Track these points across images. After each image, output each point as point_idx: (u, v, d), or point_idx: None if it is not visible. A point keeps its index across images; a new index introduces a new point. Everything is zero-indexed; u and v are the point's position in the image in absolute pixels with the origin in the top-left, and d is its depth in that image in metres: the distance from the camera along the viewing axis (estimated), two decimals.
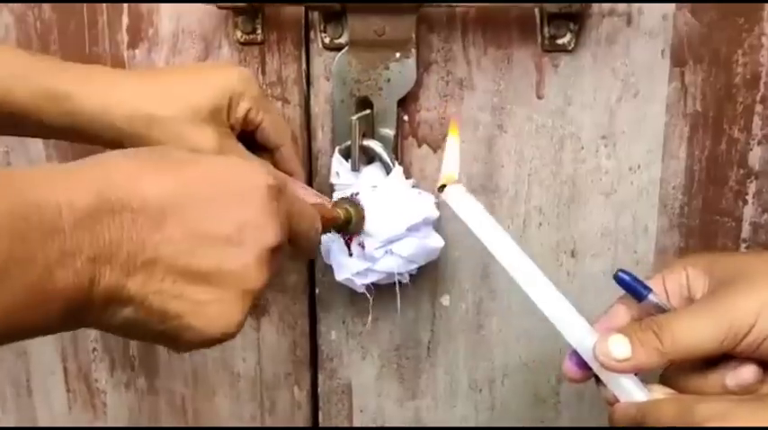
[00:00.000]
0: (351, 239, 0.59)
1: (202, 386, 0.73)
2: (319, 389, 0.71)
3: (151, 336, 0.38)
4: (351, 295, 0.67)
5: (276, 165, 0.58)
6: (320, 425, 0.72)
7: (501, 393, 0.67)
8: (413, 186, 0.61)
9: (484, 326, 0.66)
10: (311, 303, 0.69)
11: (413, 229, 0.59)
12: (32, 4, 0.66)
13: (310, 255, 0.51)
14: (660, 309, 0.44)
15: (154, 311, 0.37)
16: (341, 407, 0.71)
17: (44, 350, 0.76)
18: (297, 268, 0.68)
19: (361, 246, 0.59)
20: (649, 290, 0.45)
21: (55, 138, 0.62)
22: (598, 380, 0.44)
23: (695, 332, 0.41)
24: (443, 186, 0.46)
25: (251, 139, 0.57)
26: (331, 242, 0.61)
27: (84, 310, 0.35)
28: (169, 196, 0.37)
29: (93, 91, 0.53)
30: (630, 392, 0.43)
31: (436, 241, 0.61)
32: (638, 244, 0.61)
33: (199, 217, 0.37)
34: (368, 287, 0.61)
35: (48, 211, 0.33)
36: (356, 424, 0.70)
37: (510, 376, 0.66)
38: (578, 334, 0.44)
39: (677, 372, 0.43)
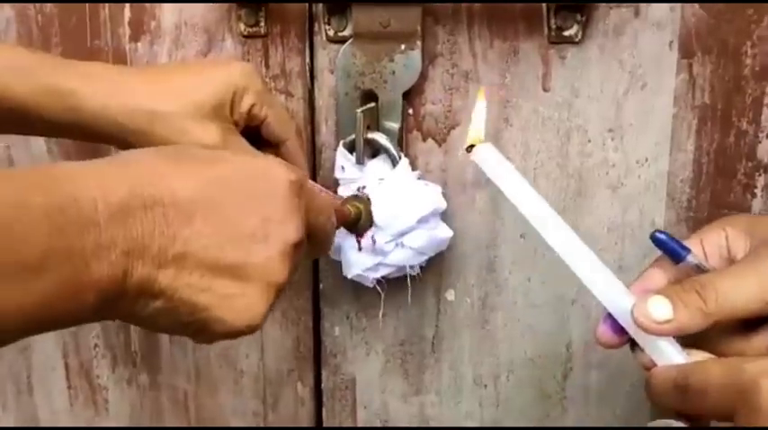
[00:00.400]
0: (361, 236, 0.59)
1: (205, 382, 0.73)
2: (323, 385, 0.70)
3: (179, 328, 0.39)
4: (355, 291, 0.66)
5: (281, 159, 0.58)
6: (324, 421, 0.71)
7: (506, 389, 0.66)
8: (418, 178, 0.61)
9: (489, 322, 0.65)
10: (315, 299, 0.68)
11: (422, 221, 0.58)
12: None
13: (325, 250, 0.51)
14: (700, 271, 0.43)
15: (183, 304, 0.38)
16: (344, 402, 0.70)
17: (45, 346, 0.75)
18: (300, 264, 0.67)
19: (373, 240, 0.58)
20: (688, 250, 0.43)
21: (57, 136, 0.61)
22: (633, 345, 0.43)
23: (740, 291, 0.40)
24: (471, 146, 0.45)
25: (255, 134, 0.57)
26: (339, 239, 0.60)
27: (116, 302, 0.36)
28: (198, 192, 0.38)
29: (96, 87, 0.52)
30: (670, 356, 0.41)
31: (445, 232, 0.60)
32: (646, 237, 0.60)
33: (226, 213, 0.39)
34: (379, 281, 0.61)
35: (84, 205, 0.34)
36: (360, 419, 0.70)
37: (515, 371, 0.66)
38: (615, 296, 0.42)
39: (716, 336, 0.41)
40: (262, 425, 0.72)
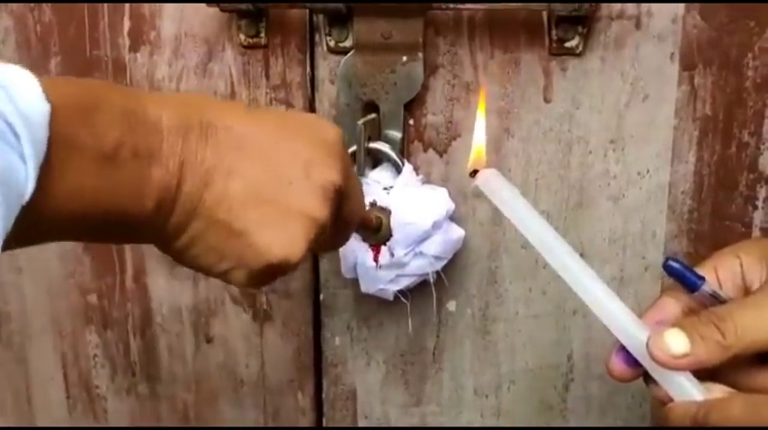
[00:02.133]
0: (378, 251, 0.58)
1: (205, 392, 0.72)
2: (323, 395, 0.70)
3: (215, 257, 0.40)
4: (355, 301, 0.66)
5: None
6: None
7: (507, 399, 0.66)
8: (423, 183, 0.60)
9: (490, 332, 0.65)
10: (315, 309, 0.68)
11: (436, 226, 0.58)
12: (32, 7, 0.66)
13: (343, 241, 0.51)
14: (715, 300, 0.41)
15: (221, 226, 0.39)
16: (345, 413, 0.70)
17: (43, 356, 0.75)
18: (301, 274, 0.67)
19: (391, 253, 0.58)
20: (703, 279, 0.42)
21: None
22: (647, 378, 0.42)
23: (760, 323, 0.39)
24: (475, 171, 0.44)
25: None
26: (354, 256, 0.60)
27: (167, 215, 0.38)
28: (249, 127, 0.40)
29: None
30: (688, 391, 0.40)
31: (457, 232, 0.60)
32: (647, 249, 0.61)
33: (274, 147, 0.41)
34: (402, 292, 0.61)
35: (151, 113, 0.37)
36: None
37: (516, 382, 0.66)
38: (627, 328, 0.41)
39: (733, 369, 0.40)
40: None
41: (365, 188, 0.59)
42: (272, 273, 0.41)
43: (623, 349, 0.42)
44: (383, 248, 0.58)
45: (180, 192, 0.38)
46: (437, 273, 0.61)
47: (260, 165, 0.40)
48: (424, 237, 0.58)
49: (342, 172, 0.43)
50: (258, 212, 0.39)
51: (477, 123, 0.46)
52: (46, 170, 0.32)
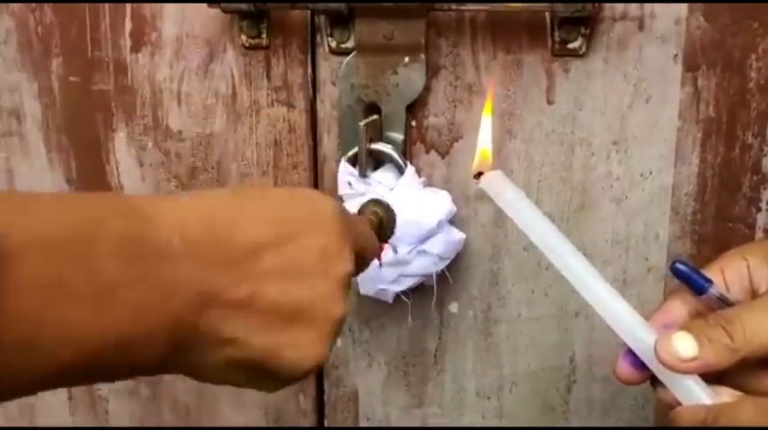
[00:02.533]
0: (381, 248, 0.58)
1: (207, 394, 0.72)
2: (325, 397, 0.70)
3: (243, 376, 0.37)
4: (357, 302, 0.66)
5: None
6: None
7: (509, 401, 0.66)
8: (424, 186, 0.60)
9: (492, 334, 0.65)
10: None
11: (440, 225, 0.58)
12: (34, 7, 0.65)
13: (362, 271, 0.48)
14: (723, 303, 0.41)
15: (253, 348, 0.36)
16: (347, 415, 0.70)
17: None
18: None
19: (394, 250, 0.57)
20: (710, 282, 0.42)
21: None
22: (654, 382, 0.41)
23: None
24: (480, 174, 0.43)
25: None
26: None
27: (185, 348, 0.34)
28: (265, 233, 0.37)
29: None
30: (696, 394, 0.39)
31: (458, 234, 0.60)
32: (650, 251, 0.60)
33: (290, 252, 0.37)
34: (404, 293, 0.60)
35: (162, 237, 0.33)
36: None
37: (518, 384, 0.66)
38: (634, 331, 0.41)
39: (741, 372, 0.40)
40: None
41: (368, 188, 0.59)
42: (299, 379, 0.39)
43: (630, 352, 0.41)
44: (385, 246, 0.58)
45: (200, 324, 0.34)
46: (439, 274, 0.60)
47: (281, 275, 0.37)
48: (428, 236, 0.57)
49: (351, 253, 0.40)
50: (285, 326, 0.37)
51: (483, 125, 0.46)
52: (15, 315, 0.28)
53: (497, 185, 0.43)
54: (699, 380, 0.40)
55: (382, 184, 0.59)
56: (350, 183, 0.60)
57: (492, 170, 0.43)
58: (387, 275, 0.59)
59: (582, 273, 0.42)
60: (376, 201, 0.51)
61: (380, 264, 0.57)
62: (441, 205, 0.59)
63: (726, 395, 0.40)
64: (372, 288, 0.60)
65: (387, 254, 0.58)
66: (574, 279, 0.42)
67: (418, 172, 0.62)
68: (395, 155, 0.59)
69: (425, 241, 0.58)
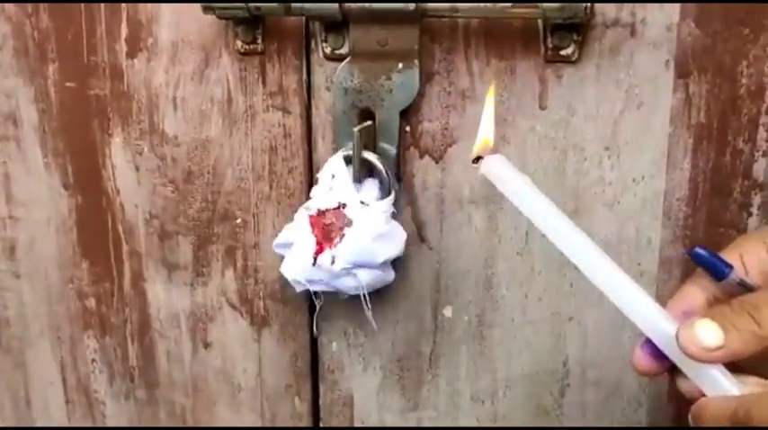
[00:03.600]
0: (321, 250, 0.58)
1: (203, 397, 0.73)
2: (320, 401, 0.70)
3: None
4: (352, 306, 0.66)
5: None
6: None
7: (503, 405, 0.67)
8: (393, 216, 0.61)
9: (486, 338, 0.65)
10: (312, 314, 0.69)
11: (383, 263, 0.59)
12: (30, 12, 0.66)
13: None
14: (743, 288, 0.39)
15: None
16: (342, 418, 0.70)
17: (42, 361, 0.75)
18: None
19: (332, 261, 0.58)
20: (730, 267, 0.40)
21: None
22: (673, 373, 0.39)
23: None
24: (479, 158, 0.41)
25: None
26: (293, 237, 0.60)
27: None
28: None
29: None
30: (722, 385, 0.37)
31: (391, 274, 0.62)
32: (642, 256, 0.61)
33: None
34: (315, 293, 0.62)
35: None
36: None
37: (512, 388, 0.66)
38: (653, 320, 0.39)
39: (765, 360, 0.38)
40: None
41: (347, 191, 0.59)
42: None
43: (649, 342, 0.39)
44: (326, 250, 0.59)
45: None
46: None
47: None
48: (366, 266, 0.59)
49: None
50: None
51: (486, 110, 0.43)
52: None
53: (498, 169, 0.40)
54: (724, 369, 0.38)
55: (360, 195, 0.59)
56: (333, 176, 0.60)
57: (492, 154, 0.41)
58: (312, 275, 0.59)
59: (591, 257, 0.40)
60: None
61: (314, 263, 0.58)
62: (394, 246, 0.60)
63: (753, 385, 0.38)
64: (292, 275, 0.60)
65: (325, 258, 0.58)
66: (583, 265, 0.40)
67: (412, 177, 0.63)
68: (382, 169, 0.59)
69: (361, 268, 0.59)
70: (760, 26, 0.55)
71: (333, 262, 0.58)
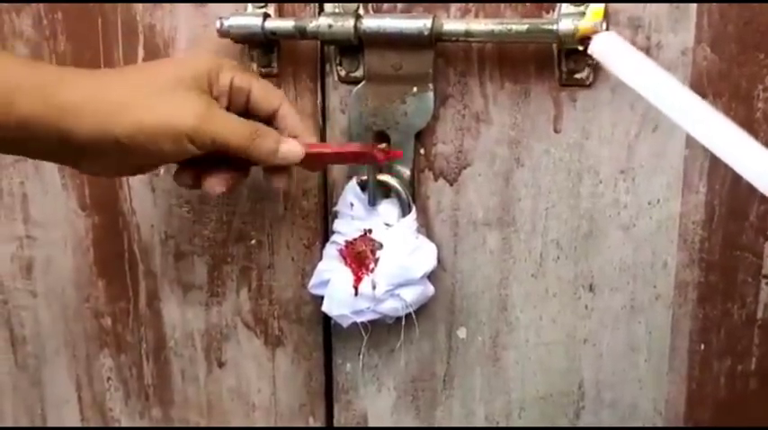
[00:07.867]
0: (360, 279, 0.59)
1: (217, 416, 0.73)
2: (335, 421, 0.70)
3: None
4: (366, 327, 0.66)
5: (279, 130, 0.56)
6: None
7: (518, 427, 0.66)
8: (419, 232, 0.61)
9: (500, 360, 0.65)
10: (326, 334, 0.69)
11: (421, 278, 0.60)
12: (48, 36, 0.66)
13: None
14: None
15: None
16: None
17: (58, 379, 0.76)
18: (312, 299, 0.67)
19: (373, 286, 0.58)
20: None
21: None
22: None
23: None
24: (585, 38, 0.39)
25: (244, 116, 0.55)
26: (329, 273, 0.61)
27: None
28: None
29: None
30: None
31: (430, 289, 0.62)
32: (658, 279, 0.60)
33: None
34: (364, 325, 0.62)
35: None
36: None
37: (527, 409, 0.66)
38: None
39: None
40: None
41: (368, 216, 0.60)
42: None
43: None
44: (365, 277, 0.59)
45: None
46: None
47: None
48: (407, 284, 0.59)
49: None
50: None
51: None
52: None
53: (610, 48, 0.39)
54: None
55: (383, 218, 0.60)
56: (352, 204, 0.61)
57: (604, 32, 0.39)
58: (357, 305, 0.60)
59: (718, 133, 0.38)
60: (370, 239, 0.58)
61: (356, 293, 0.58)
62: (428, 258, 0.60)
63: None
64: (337, 311, 0.61)
65: (366, 286, 0.59)
66: (708, 141, 0.38)
67: (426, 200, 0.63)
68: (401, 188, 0.60)
69: (402, 287, 0.59)
70: None
71: (374, 287, 0.58)
